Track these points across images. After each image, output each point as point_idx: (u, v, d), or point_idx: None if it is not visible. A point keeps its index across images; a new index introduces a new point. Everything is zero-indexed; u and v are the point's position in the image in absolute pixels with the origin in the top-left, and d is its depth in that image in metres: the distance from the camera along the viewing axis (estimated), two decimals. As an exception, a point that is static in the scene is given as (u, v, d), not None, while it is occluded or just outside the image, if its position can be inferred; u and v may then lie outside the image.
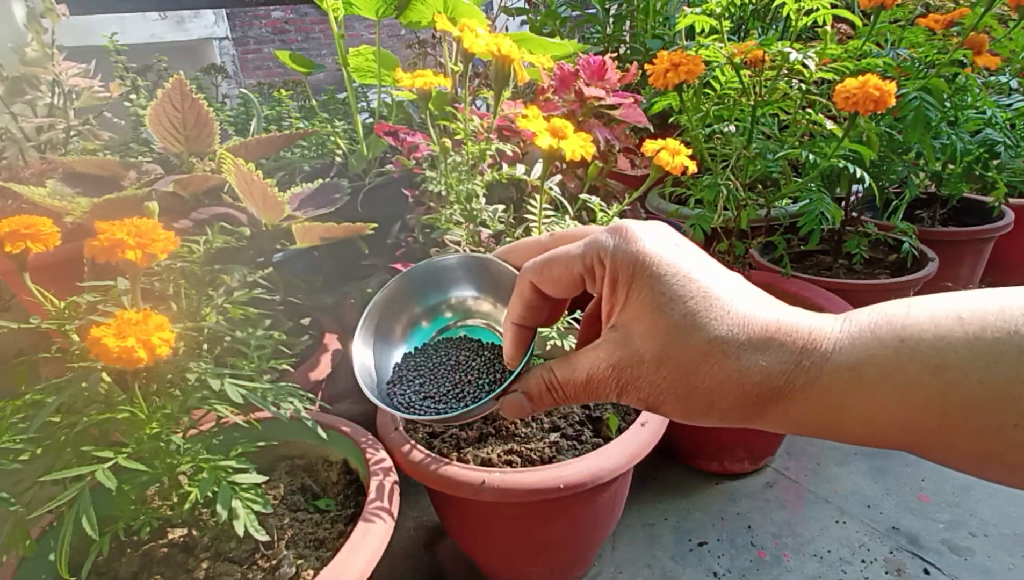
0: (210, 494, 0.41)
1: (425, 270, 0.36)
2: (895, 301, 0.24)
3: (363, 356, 0.34)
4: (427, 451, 0.60)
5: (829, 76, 0.75)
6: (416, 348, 0.36)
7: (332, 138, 0.95)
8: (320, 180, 0.80)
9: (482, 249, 0.61)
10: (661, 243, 0.27)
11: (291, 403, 0.47)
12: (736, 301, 0.25)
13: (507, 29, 1.36)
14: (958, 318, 0.22)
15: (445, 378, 0.33)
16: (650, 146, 0.52)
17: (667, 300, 0.26)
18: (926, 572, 0.73)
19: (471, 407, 0.30)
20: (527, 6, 1.38)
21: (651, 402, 0.27)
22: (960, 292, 0.23)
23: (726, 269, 0.28)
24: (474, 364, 0.33)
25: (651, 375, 0.26)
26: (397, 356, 0.36)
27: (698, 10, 0.77)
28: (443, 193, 0.60)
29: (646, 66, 0.73)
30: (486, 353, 0.34)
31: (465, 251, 0.60)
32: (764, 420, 0.25)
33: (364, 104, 1.18)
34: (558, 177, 0.62)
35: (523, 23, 1.38)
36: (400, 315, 0.36)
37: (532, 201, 0.57)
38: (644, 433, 0.61)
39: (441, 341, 0.36)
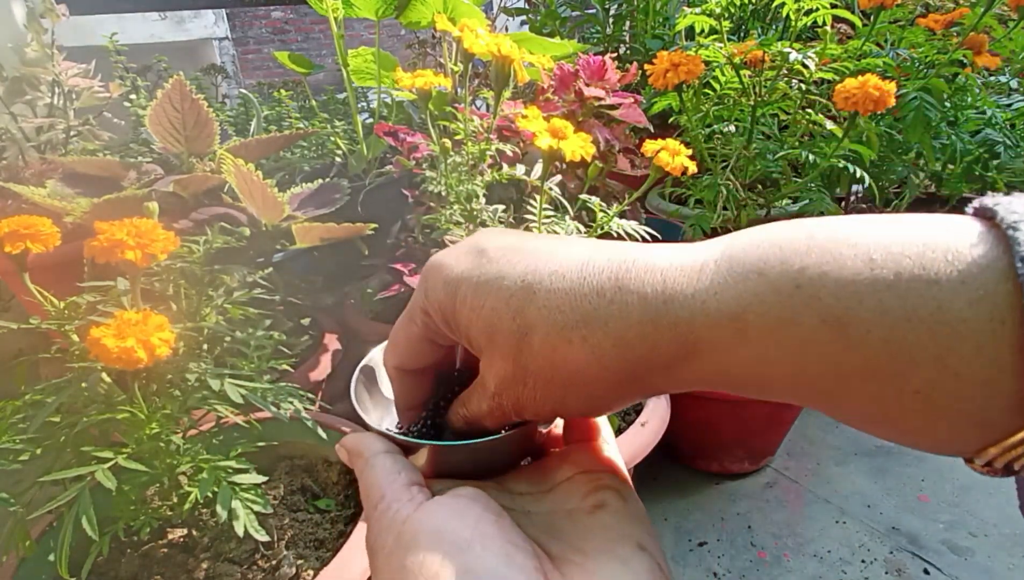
0: (210, 494, 0.41)
1: None
2: (793, 225, 0.20)
3: (365, 384, 0.31)
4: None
5: (829, 76, 0.75)
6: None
7: (332, 138, 0.95)
8: (320, 180, 0.80)
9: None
10: (459, 256, 0.24)
11: (291, 403, 0.47)
12: (554, 276, 0.22)
13: (507, 29, 1.36)
14: (869, 261, 0.18)
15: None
16: (650, 146, 0.52)
17: (480, 306, 0.23)
18: (926, 572, 0.73)
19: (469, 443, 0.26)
20: (527, 6, 1.38)
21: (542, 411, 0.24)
22: (876, 218, 0.19)
23: (542, 237, 0.25)
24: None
25: (523, 390, 0.23)
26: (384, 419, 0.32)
27: (698, 10, 0.77)
28: (443, 193, 0.60)
29: (646, 66, 0.73)
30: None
31: None
32: (650, 387, 0.23)
33: (364, 104, 1.18)
34: (558, 177, 0.62)
35: (523, 23, 1.38)
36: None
37: (532, 201, 0.57)
38: (644, 433, 0.61)
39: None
